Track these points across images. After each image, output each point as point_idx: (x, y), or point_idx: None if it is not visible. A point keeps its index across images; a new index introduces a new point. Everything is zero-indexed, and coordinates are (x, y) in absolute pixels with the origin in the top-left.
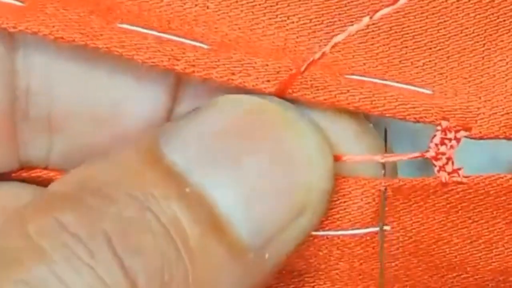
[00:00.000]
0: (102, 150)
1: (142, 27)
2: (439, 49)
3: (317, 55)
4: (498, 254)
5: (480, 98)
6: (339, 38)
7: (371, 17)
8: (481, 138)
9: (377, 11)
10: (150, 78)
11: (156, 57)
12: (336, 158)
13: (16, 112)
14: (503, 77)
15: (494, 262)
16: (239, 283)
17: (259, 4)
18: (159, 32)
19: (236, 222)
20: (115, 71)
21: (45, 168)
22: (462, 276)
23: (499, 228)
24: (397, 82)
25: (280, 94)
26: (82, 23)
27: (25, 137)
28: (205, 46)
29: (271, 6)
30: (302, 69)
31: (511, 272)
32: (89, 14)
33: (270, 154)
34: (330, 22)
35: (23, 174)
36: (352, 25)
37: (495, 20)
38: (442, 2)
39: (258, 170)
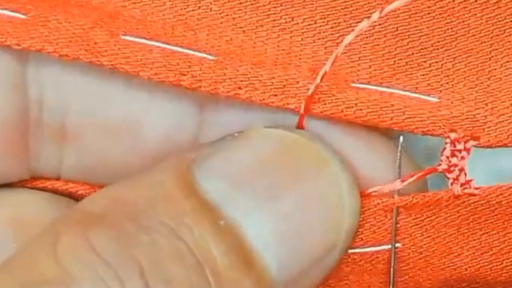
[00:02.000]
0: (119, 164)
1: (147, 38)
2: (446, 50)
3: (328, 64)
4: (509, 265)
5: (487, 105)
6: (349, 37)
7: (380, 12)
8: (489, 146)
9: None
10: (172, 91)
11: (162, 73)
12: (361, 194)
13: (28, 122)
14: (510, 81)
15: (505, 273)
16: None
17: (263, 6)
18: (164, 42)
19: (267, 257)
20: (132, 82)
21: (57, 179)
22: (472, 287)
23: (510, 239)
24: (404, 88)
25: (305, 114)
26: (86, 38)
27: (36, 147)
28: (211, 57)
29: (275, 7)
30: (318, 80)
31: None
32: (93, 26)
33: (305, 192)
34: (335, 23)
35: (34, 184)
36: (358, 24)
37: (502, 20)
38: (449, 2)
39: (292, 207)
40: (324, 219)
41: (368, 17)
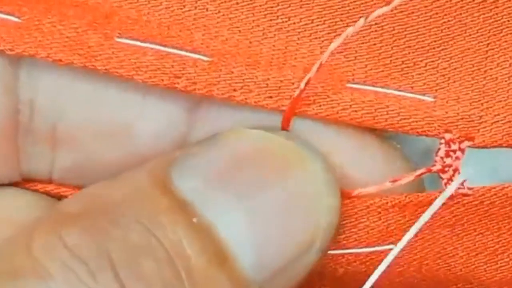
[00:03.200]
0: (110, 167)
1: (142, 39)
2: (442, 49)
3: (313, 70)
4: (503, 265)
5: (482, 105)
6: (334, 45)
7: (366, 18)
8: (484, 147)
9: (372, 12)
10: (164, 92)
11: (157, 76)
12: (347, 195)
13: (19, 125)
14: (506, 80)
15: (499, 273)
16: None
17: (260, 5)
18: (159, 43)
19: (242, 256)
20: (125, 87)
21: (49, 182)
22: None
23: (504, 239)
24: (399, 88)
25: (289, 115)
26: (80, 41)
27: (27, 150)
28: (205, 58)
29: (271, 7)
30: (302, 85)
31: None
32: (87, 28)
33: (279, 191)
34: (332, 22)
35: (25, 186)
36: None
37: (499, 20)
38: (446, 1)
39: (267, 206)
40: (299, 218)
41: (366, 17)
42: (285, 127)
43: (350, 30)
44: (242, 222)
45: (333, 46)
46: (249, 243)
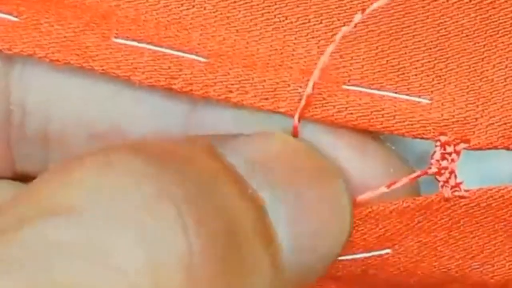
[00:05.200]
0: None
1: (139, 39)
2: (439, 50)
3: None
4: (500, 268)
5: (477, 106)
6: (332, 46)
7: (362, 13)
8: (479, 149)
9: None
10: (158, 92)
11: (153, 77)
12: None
13: (11, 125)
14: (502, 82)
15: (495, 276)
16: None
17: (257, 5)
18: (156, 44)
19: (283, 240)
20: (116, 89)
21: None
22: None
23: (501, 241)
24: (395, 90)
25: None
26: (78, 42)
27: (20, 150)
28: (202, 59)
29: (269, 6)
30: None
31: None
32: (84, 28)
33: (321, 194)
34: (329, 21)
35: None
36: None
37: (496, 21)
38: (443, 2)
39: (309, 205)
40: (333, 224)
41: (362, 11)
42: (295, 134)
43: (345, 29)
44: (283, 212)
45: (331, 47)
46: (287, 234)
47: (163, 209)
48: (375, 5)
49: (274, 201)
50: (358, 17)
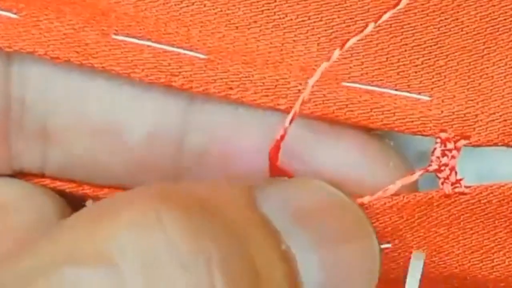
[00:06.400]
0: (103, 163)
1: (139, 36)
2: (439, 47)
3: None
4: (499, 264)
5: (477, 103)
6: (336, 54)
7: (375, 22)
8: (480, 145)
9: (381, 16)
10: (157, 90)
11: (154, 74)
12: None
13: (10, 121)
14: (502, 79)
15: (495, 272)
16: None
17: (257, 2)
18: (156, 40)
19: None
20: (117, 85)
21: (42, 176)
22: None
23: (500, 238)
24: (395, 87)
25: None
26: (77, 39)
27: (19, 146)
28: (202, 56)
29: (269, 3)
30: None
31: None
32: (84, 25)
33: (354, 251)
34: (329, 19)
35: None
36: (352, 22)
37: (496, 18)
38: (443, 0)
39: (341, 261)
40: (364, 278)
41: (363, 13)
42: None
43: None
44: (316, 266)
45: (337, 53)
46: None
47: (196, 268)
48: (386, 16)
49: (307, 259)
50: (371, 27)
